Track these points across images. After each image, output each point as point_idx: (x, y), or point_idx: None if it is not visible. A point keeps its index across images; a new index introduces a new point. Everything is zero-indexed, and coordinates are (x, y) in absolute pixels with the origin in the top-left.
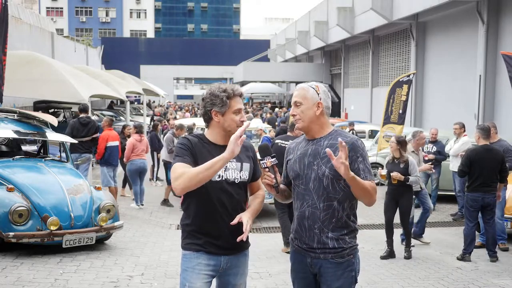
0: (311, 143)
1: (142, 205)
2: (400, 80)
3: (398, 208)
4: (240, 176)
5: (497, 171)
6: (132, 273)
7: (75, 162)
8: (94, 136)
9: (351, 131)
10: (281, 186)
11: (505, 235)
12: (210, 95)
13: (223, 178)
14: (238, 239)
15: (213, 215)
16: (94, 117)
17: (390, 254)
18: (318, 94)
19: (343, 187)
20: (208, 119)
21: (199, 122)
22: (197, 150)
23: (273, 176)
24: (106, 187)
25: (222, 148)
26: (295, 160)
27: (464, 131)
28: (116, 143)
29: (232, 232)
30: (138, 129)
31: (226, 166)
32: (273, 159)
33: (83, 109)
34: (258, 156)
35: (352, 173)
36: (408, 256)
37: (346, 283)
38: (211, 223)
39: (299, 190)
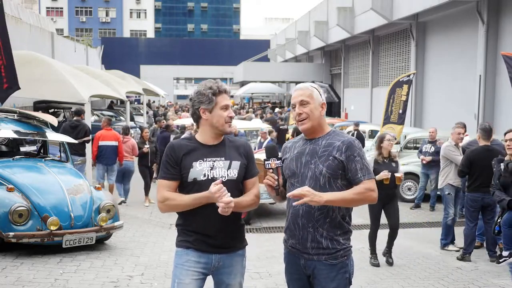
0: (309, 143)
1: (125, 202)
2: (400, 80)
3: (387, 212)
4: (228, 174)
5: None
6: (132, 273)
7: (75, 163)
8: (85, 139)
9: (355, 132)
10: (281, 188)
11: None
12: (197, 94)
13: (209, 178)
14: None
15: (202, 213)
16: (93, 117)
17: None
18: (320, 95)
19: (340, 186)
20: (197, 118)
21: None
22: (181, 154)
23: (276, 177)
24: (100, 184)
25: (211, 148)
26: (291, 159)
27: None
28: (112, 143)
29: (223, 230)
30: (123, 130)
31: (213, 165)
32: (279, 161)
33: (75, 112)
34: (258, 156)
35: (325, 198)
36: (391, 263)
37: (340, 284)
38: (200, 221)
39: (294, 188)
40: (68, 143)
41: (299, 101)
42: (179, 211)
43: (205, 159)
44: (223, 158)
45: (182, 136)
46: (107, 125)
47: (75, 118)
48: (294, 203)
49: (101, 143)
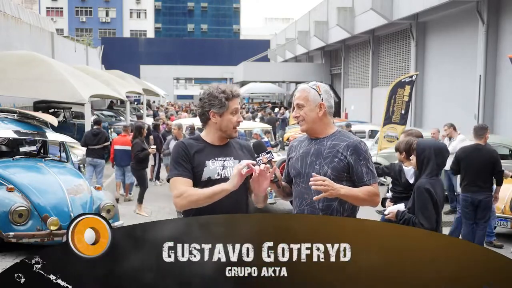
0: (314, 143)
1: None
2: (402, 80)
3: None
4: None
5: (487, 172)
6: None
7: (74, 161)
8: (105, 144)
9: None
10: (283, 183)
11: (492, 231)
12: (209, 96)
13: (222, 177)
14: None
15: (211, 214)
16: (93, 117)
17: None
18: (319, 95)
19: None
20: (205, 120)
21: (198, 122)
22: (192, 152)
23: (271, 170)
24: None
25: (219, 148)
26: (297, 158)
27: (455, 130)
28: (123, 147)
29: None
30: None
31: (224, 164)
32: (268, 154)
33: (96, 121)
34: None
35: (342, 191)
36: None
37: None
38: None
39: (299, 188)
40: (92, 148)
41: (296, 104)
42: (197, 205)
43: (216, 159)
44: (232, 158)
45: (188, 136)
46: (125, 132)
47: (95, 127)
48: (314, 198)
49: (115, 147)
